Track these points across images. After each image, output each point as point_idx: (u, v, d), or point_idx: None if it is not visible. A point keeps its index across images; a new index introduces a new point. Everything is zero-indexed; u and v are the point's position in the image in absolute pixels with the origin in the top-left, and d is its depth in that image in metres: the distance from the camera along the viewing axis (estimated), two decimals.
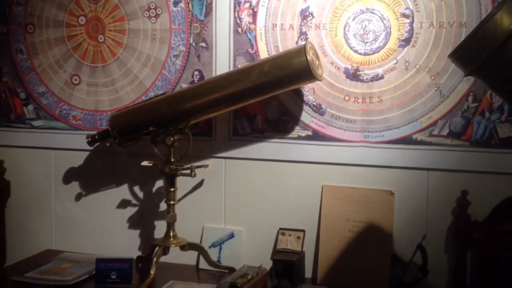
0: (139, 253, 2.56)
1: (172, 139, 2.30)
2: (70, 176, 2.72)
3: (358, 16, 2.28)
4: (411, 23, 2.22)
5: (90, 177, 2.70)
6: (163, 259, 2.35)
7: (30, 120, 2.75)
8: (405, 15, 2.23)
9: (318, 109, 2.36)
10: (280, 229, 2.38)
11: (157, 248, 2.32)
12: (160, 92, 2.51)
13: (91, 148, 2.58)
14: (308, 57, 2.09)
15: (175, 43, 2.51)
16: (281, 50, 2.36)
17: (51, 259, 2.54)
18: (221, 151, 2.49)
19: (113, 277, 2.25)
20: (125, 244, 2.61)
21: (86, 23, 2.63)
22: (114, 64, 2.61)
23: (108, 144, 2.44)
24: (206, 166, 2.36)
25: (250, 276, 2.16)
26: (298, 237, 2.34)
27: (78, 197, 2.71)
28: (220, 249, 2.46)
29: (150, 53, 2.55)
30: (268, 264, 2.34)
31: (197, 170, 2.31)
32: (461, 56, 1.52)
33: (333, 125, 2.34)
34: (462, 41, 1.52)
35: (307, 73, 2.12)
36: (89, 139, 2.47)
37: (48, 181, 2.75)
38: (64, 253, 2.63)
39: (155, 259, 2.28)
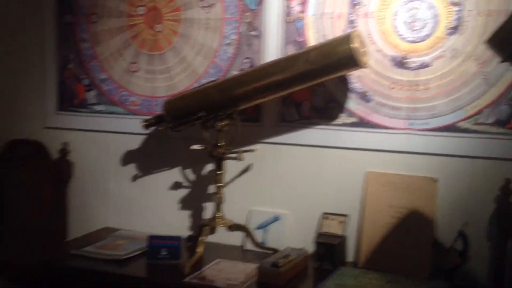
0: (189, 233, 2.65)
1: (221, 124, 2.37)
2: (127, 158, 2.82)
3: (406, 4, 2.29)
4: (460, 11, 2.21)
5: (145, 159, 2.80)
6: (211, 239, 2.43)
7: (92, 105, 2.88)
8: (453, 3, 2.22)
9: (363, 97, 2.38)
10: (324, 213, 2.42)
11: (205, 227, 2.40)
12: (212, 79, 2.56)
13: (146, 132, 2.70)
14: (353, 45, 2.11)
15: (227, 32, 2.58)
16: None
17: (107, 235, 2.65)
18: (269, 136, 2.54)
19: (164, 253, 2.34)
20: (176, 223, 2.70)
21: (146, 13, 2.74)
22: (170, 52, 2.71)
23: (162, 128, 2.53)
24: (253, 150, 2.42)
25: (292, 257, 2.22)
26: (341, 222, 2.37)
27: (134, 179, 2.81)
28: (265, 231, 2.51)
29: (203, 42, 2.63)
30: (311, 247, 2.40)
31: (244, 155, 2.37)
32: (497, 43, 1.54)
33: (378, 112, 2.36)
34: (498, 27, 1.53)
35: (352, 61, 2.14)
36: (145, 123, 2.56)
37: (106, 163, 2.86)
38: (120, 231, 2.74)
39: (202, 238, 2.36)
